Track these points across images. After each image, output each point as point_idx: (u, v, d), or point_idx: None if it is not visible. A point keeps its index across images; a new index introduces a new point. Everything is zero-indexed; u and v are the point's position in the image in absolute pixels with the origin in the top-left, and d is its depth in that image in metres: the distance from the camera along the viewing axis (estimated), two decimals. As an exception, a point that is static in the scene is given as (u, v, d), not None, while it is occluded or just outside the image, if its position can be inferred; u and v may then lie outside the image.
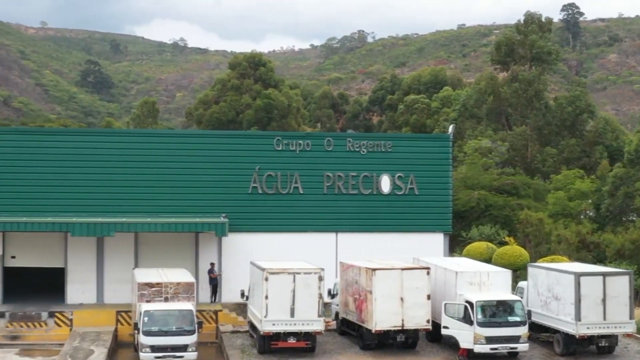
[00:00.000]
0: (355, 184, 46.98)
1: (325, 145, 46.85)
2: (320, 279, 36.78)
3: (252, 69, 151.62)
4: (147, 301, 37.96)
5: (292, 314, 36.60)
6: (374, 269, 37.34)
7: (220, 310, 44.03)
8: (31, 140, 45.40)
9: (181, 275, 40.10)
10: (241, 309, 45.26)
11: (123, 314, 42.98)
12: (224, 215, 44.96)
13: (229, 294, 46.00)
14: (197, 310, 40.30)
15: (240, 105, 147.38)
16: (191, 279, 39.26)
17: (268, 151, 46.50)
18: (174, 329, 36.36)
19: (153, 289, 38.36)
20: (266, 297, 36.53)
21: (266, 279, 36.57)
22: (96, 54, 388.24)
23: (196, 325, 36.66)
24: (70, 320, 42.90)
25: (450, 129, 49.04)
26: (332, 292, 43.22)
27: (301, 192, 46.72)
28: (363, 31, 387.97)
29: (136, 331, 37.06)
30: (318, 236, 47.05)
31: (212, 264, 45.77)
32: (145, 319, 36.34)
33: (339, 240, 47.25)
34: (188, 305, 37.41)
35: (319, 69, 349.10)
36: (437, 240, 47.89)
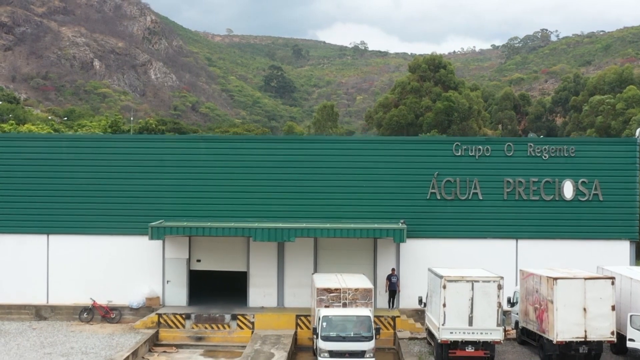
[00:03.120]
0: (537, 190, 45.81)
1: (506, 150, 45.94)
2: (500, 287, 36.08)
3: (432, 71, 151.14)
4: (326, 306, 38.45)
5: (471, 323, 36.07)
6: (556, 278, 36.27)
7: (398, 317, 43.93)
8: (217, 148, 46.69)
9: (359, 281, 40.34)
10: (419, 315, 45.10)
11: (302, 318, 43.62)
12: (402, 221, 44.86)
13: (407, 299, 45.89)
14: (375, 316, 40.54)
15: (420, 108, 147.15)
16: (369, 285, 39.42)
17: (447, 156, 46.01)
18: (352, 335, 36.58)
19: (332, 294, 38.85)
20: (444, 305, 36.15)
21: (444, 287, 36.18)
22: (279, 59, 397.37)
23: (374, 332, 36.78)
24: (252, 323, 43.90)
25: (638, 132, 47.04)
26: (511, 301, 42.40)
27: (480, 198, 45.97)
28: (546, 30, 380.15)
29: (315, 336, 37.54)
30: (497, 242, 46.19)
31: (393, 270, 45.75)
32: (324, 324, 36.75)
33: (519, 247, 46.19)
34: (366, 312, 37.58)
35: (500, 69, 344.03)
36: (622, 248, 46.04)
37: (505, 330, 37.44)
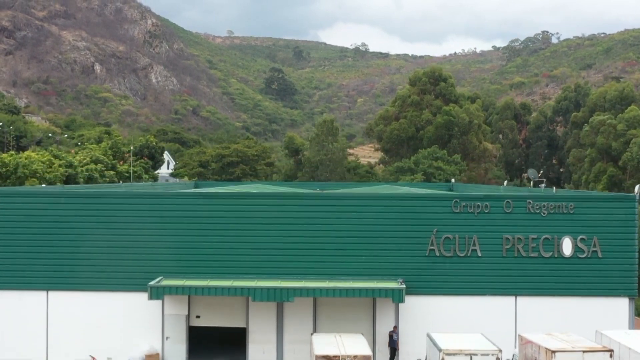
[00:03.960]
0: (536, 247, 45.83)
1: (505, 207, 45.94)
2: (498, 359, 36.26)
3: (432, 84, 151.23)
4: (324, 374, 38.53)
5: (469, 396, 36.22)
6: (554, 351, 36.33)
7: (398, 376, 44.06)
8: (215, 205, 46.71)
9: (358, 346, 40.27)
10: (419, 372, 45.17)
11: (302, 379, 43.76)
12: (401, 280, 44.89)
13: (407, 356, 45.99)
14: None
15: (420, 122, 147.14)
16: (368, 352, 39.36)
17: (446, 213, 46.02)
18: None
19: (330, 362, 38.90)
20: (443, 378, 36.30)
21: (443, 360, 36.31)
22: (280, 60, 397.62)
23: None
24: (252, 383, 44.02)
25: (637, 189, 47.06)
26: (511, 363, 42.51)
27: (479, 255, 45.99)
28: (547, 32, 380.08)
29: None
30: (496, 299, 46.22)
31: (395, 327, 45.83)
32: (323, 395, 36.97)
33: (518, 303, 46.23)
34: (366, 380, 37.68)
35: (501, 72, 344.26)
36: (622, 305, 46.08)
37: None
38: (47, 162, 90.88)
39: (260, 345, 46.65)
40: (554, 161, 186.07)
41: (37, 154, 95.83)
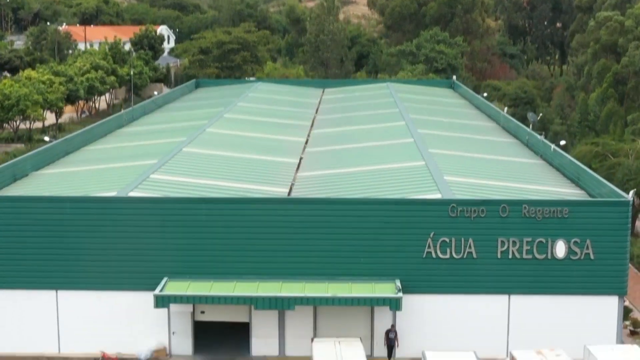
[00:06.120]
0: (530, 249, 47.10)
1: (501, 211, 46.89)
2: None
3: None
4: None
5: None
6: (541, 387, 38.40)
7: (392, 380, 46.47)
8: (217, 209, 47.70)
9: (355, 355, 42.36)
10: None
11: (303, 376, 46.22)
12: (398, 288, 46.38)
13: (404, 350, 48.19)
14: None
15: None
16: (363, 360, 41.76)
17: (443, 217, 47.05)
18: None
19: (328, 374, 41.30)
20: (434, 413, 38.60)
21: (434, 396, 38.51)
22: None
23: None
24: (255, 379, 46.53)
25: (631, 194, 47.87)
26: (504, 372, 44.74)
27: (475, 257, 47.33)
28: None
29: None
30: (490, 298, 47.94)
31: (392, 326, 47.74)
32: None
33: (512, 301, 48.00)
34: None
35: None
36: (611, 303, 47.88)
37: None
38: (48, 82, 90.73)
39: (263, 339, 48.74)
40: (558, 25, 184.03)
41: (38, 73, 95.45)
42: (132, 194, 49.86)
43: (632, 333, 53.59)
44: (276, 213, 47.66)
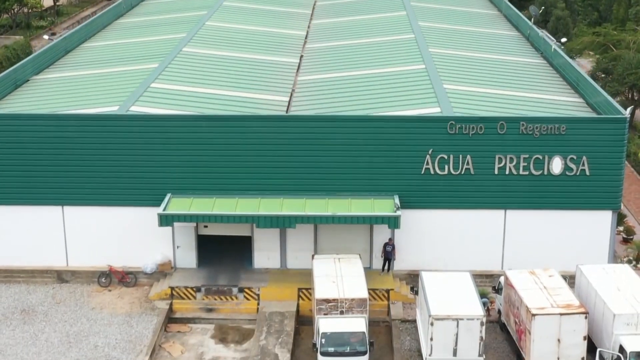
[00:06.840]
0: (527, 165, 47.72)
1: (499, 128, 47.27)
2: (482, 324, 39.78)
3: None
4: (325, 314, 42.55)
5: (455, 354, 40.19)
6: (534, 314, 39.77)
7: (392, 289, 47.86)
8: (218, 127, 48.12)
9: (356, 287, 43.67)
10: (412, 278, 48.89)
11: (304, 290, 47.65)
12: (397, 206, 47.20)
13: (401, 263, 49.59)
14: (370, 289, 45.37)
15: None
16: (364, 295, 43.00)
17: (442, 134, 47.47)
18: (348, 350, 41.11)
19: (330, 304, 42.76)
20: (431, 339, 40.10)
21: (432, 324, 39.92)
22: None
23: (368, 346, 41.16)
24: (258, 295, 47.94)
25: (628, 111, 48.13)
26: (497, 287, 46.10)
27: (472, 173, 48.02)
28: None
29: (315, 350, 41.82)
30: (487, 212, 48.90)
31: (390, 239, 48.91)
32: (323, 340, 41.26)
33: (508, 216, 48.98)
34: (361, 327, 41.66)
35: None
36: (605, 218, 48.87)
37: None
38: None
39: (264, 252, 50.06)
40: None
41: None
42: (134, 108, 50.32)
43: (625, 241, 54.89)
44: (276, 130, 48.06)
